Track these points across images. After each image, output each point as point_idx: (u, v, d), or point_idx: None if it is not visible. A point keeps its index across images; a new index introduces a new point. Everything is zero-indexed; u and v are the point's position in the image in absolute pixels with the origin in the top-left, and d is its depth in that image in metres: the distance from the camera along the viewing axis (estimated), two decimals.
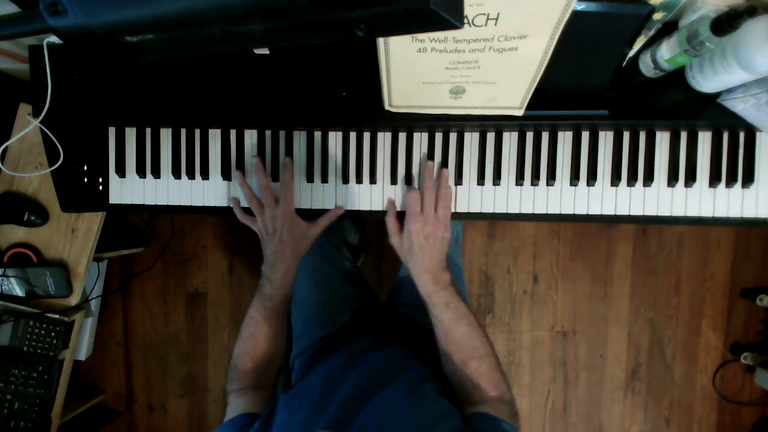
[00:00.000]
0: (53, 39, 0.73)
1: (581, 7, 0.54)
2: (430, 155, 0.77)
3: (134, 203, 0.82)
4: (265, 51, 0.72)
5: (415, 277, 0.71)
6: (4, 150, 1.02)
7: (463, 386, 0.66)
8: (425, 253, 0.70)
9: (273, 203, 0.74)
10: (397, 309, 0.97)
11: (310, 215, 0.78)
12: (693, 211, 0.75)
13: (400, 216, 0.75)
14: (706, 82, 0.65)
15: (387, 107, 0.70)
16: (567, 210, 0.76)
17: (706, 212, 0.75)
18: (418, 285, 0.70)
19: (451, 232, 0.73)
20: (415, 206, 0.72)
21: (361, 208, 0.78)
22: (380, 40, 0.57)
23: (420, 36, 0.55)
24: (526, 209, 0.77)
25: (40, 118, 0.74)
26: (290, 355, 0.96)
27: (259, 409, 0.66)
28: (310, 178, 0.78)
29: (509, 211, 0.77)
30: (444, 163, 0.77)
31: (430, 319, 0.92)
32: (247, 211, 0.77)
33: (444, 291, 0.68)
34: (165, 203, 0.81)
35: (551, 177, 0.75)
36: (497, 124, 0.74)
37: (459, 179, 0.77)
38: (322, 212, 0.78)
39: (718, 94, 0.68)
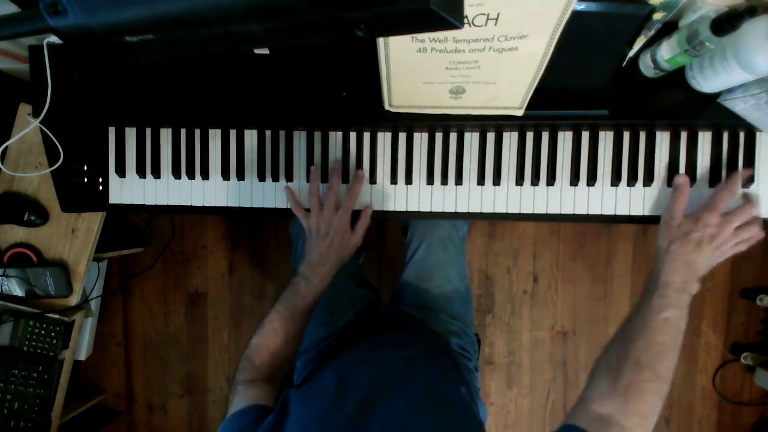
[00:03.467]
0: (53, 39, 0.73)
1: (581, 7, 0.54)
2: (431, 155, 0.77)
3: (134, 203, 0.82)
4: (265, 51, 0.72)
5: (676, 260, 0.64)
6: (4, 150, 1.02)
7: (607, 382, 0.57)
8: (702, 250, 0.64)
9: (333, 208, 0.75)
10: (401, 309, 0.97)
11: None
12: None
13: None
14: (706, 82, 0.65)
15: (387, 107, 0.70)
16: (567, 210, 0.76)
17: None
18: (665, 268, 0.64)
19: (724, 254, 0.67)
20: (720, 204, 0.66)
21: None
22: (380, 40, 0.57)
23: (420, 36, 0.55)
24: (526, 209, 0.76)
25: (40, 118, 0.74)
26: None
27: (269, 402, 0.66)
28: (309, 178, 0.78)
29: (509, 211, 0.77)
30: (444, 163, 0.77)
31: (434, 320, 0.92)
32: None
33: (684, 295, 0.62)
34: (165, 203, 0.81)
35: (551, 177, 0.75)
36: (497, 124, 0.74)
37: (459, 179, 0.76)
38: None
39: (718, 94, 0.68)
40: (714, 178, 0.74)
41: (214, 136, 0.80)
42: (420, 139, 0.77)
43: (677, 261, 0.64)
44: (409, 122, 0.74)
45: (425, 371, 0.66)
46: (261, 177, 0.79)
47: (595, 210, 0.76)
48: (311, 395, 0.62)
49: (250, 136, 0.79)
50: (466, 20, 0.51)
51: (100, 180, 0.81)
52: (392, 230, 1.62)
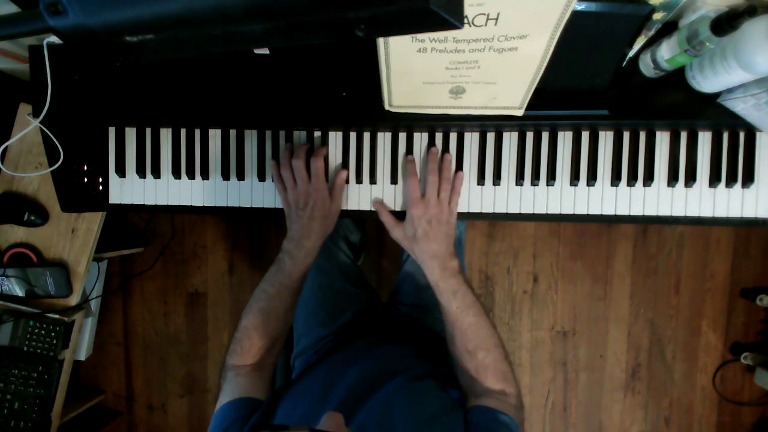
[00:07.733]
0: (53, 39, 0.73)
1: (581, 7, 0.54)
2: None
3: (134, 203, 0.82)
4: (265, 51, 0.72)
5: (422, 264, 0.70)
6: (4, 150, 1.02)
7: (468, 376, 0.66)
8: (430, 238, 0.69)
9: (307, 178, 0.73)
10: (398, 309, 0.97)
11: None
12: (693, 211, 0.75)
13: (397, 216, 0.75)
14: (706, 82, 0.65)
15: (387, 107, 0.70)
16: (567, 210, 0.76)
17: (706, 212, 0.75)
18: (425, 272, 0.69)
19: (455, 217, 0.72)
20: (415, 192, 0.71)
21: (361, 208, 0.78)
22: (380, 40, 0.57)
23: (420, 36, 0.55)
24: (526, 209, 0.77)
25: (40, 118, 0.74)
26: (291, 354, 0.96)
27: (259, 393, 0.66)
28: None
29: (509, 211, 0.77)
30: None
31: (431, 319, 0.92)
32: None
33: (452, 279, 0.67)
34: (165, 203, 0.81)
35: (551, 177, 0.75)
36: (497, 124, 0.74)
37: None
38: None
39: (718, 94, 0.68)
40: (714, 178, 0.74)
41: (214, 136, 0.80)
42: (420, 139, 0.77)
43: (426, 262, 0.69)
44: (409, 122, 0.74)
45: (414, 368, 0.67)
46: (261, 177, 0.79)
47: (595, 210, 0.76)
48: (298, 395, 0.62)
49: (250, 136, 0.79)
50: (466, 20, 0.51)
51: (100, 180, 0.81)
52: None
